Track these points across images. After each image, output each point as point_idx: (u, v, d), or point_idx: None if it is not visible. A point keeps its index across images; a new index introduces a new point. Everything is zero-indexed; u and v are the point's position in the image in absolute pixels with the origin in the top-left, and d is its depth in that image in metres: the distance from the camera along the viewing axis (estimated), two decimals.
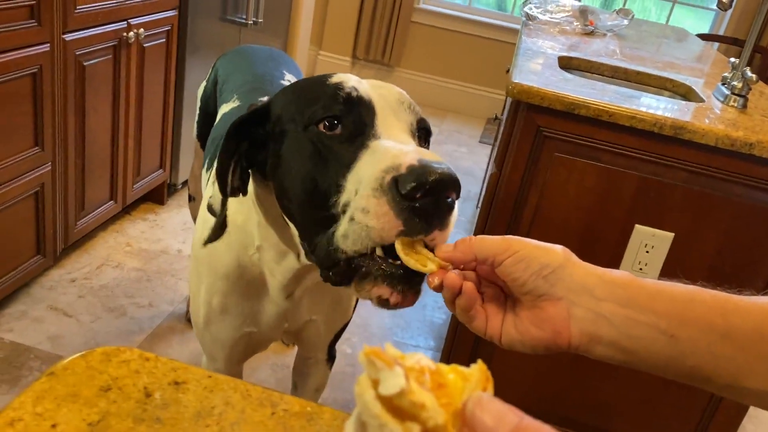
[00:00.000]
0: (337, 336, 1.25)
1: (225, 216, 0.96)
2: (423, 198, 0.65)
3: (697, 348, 0.54)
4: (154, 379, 0.49)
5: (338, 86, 0.78)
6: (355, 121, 0.75)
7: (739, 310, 0.55)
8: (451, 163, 4.25)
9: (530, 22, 2.37)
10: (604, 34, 2.45)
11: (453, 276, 0.62)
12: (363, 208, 0.68)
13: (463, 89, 4.81)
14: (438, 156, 0.69)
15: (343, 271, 0.72)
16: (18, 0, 1.69)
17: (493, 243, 0.62)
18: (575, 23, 2.37)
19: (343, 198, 0.72)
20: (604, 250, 1.58)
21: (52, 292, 2.16)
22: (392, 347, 0.29)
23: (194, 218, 1.97)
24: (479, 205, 2.91)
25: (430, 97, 4.79)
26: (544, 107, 1.47)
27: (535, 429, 0.33)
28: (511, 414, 0.32)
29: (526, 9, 2.41)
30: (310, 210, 0.77)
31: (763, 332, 0.53)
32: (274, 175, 0.84)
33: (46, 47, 1.84)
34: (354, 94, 0.77)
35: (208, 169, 1.31)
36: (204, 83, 1.70)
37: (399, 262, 0.67)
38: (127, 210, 2.64)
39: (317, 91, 0.79)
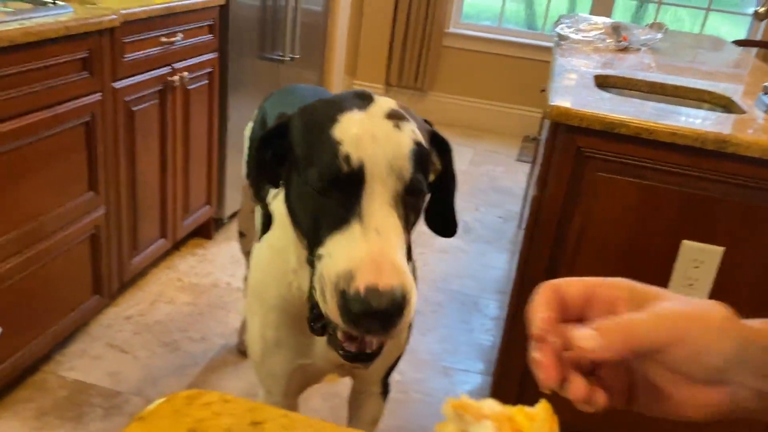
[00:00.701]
0: (391, 368, 1.27)
1: (268, 206, 1.03)
2: (363, 319, 0.76)
3: None
4: (235, 420, 0.52)
5: (336, 148, 0.81)
6: (343, 192, 0.81)
7: None
8: (488, 183, 4.28)
9: (563, 42, 2.38)
10: (638, 49, 2.45)
11: (580, 387, 0.48)
12: (322, 291, 0.81)
13: (497, 109, 4.82)
14: (395, 264, 0.77)
15: (321, 325, 0.89)
16: (71, 52, 1.79)
17: (653, 330, 0.47)
18: (608, 40, 2.37)
19: (318, 257, 0.84)
20: (651, 267, 1.57)
21: (109, 329, 2.23)
22: (466, 397, 0.31)
23: (244, 253, 2.03)
24: (521, 225, 2.91)
25: (464, 118, 4.82)
26: (584, 128, 1.48)
27: None
28: None
29: (557, 29, 2.43)
30: (302, 238, 0.92)
31: None
32: (286, 193, 0.94)
33: (98, 96, 1.93)
34: (347, 166, 0.80)
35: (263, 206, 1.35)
36: (251, 124, 1.76)
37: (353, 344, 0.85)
38: (177, 246, 2.72)
39: (320, 143, 0.83)
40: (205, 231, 2.82)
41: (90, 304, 2.12)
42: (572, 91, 1.67)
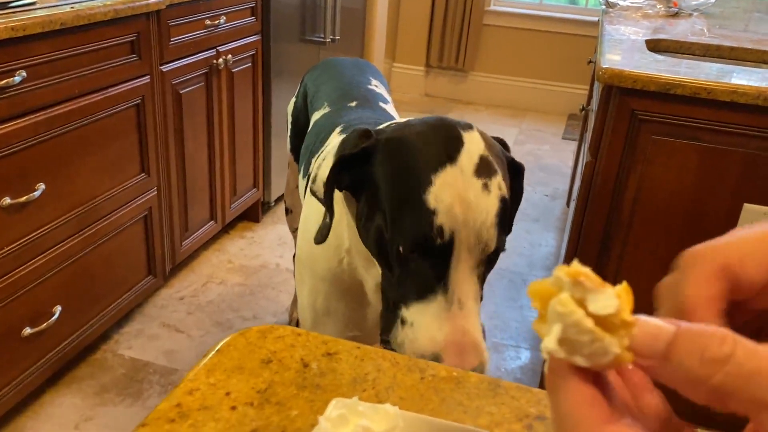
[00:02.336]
0: None
1: (332, 214, 1.00)
2: None
3: None
4: (308, 351, 0.53)
5: (429, 219, 0.81)
6: (431, 259, 0.83)
7: None
8: (534, 162, 4.20)
9: (610, 10, 2.32)
10: (690, 15, 2.37)
11: None
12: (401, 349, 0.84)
13: (540, 87, 4.74)
14: (476, 343, 0.81)
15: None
16: (120, 35, 1.82)
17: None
18: (658, 6, 2.30)
19: (401, 319, 0.86)
20: (711, 233, 1.51)
21: (163, 310, 2.28)
22: (578, 264, 0.29)
23: (291, 230, 2.04)
24: (569, 202, 2.86)
25: (507, 98, 4.76)
26: (638, 90, 1.44)
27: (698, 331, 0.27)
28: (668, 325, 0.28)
29: None
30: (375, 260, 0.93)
31: None
32: (360, 217, 0.92)
33: (146, 79, 1.96)
34: (440, 239, 0.81)
35: (304, 176, 1.36)
36: (293, 99, 1.77)
37: None
38: (226, 229, 2.76)
39: (412, 207, 0.82)
40: (253, 214, 2.85)
41: (144, 285, 2.16)
42: (624, 54, 1.63)
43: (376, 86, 1.51)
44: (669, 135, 1.48)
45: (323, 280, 1.12)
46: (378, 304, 1.05)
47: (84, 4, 1.68)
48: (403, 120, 0.98)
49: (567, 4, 4.80)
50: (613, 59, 1.54)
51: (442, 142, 0.85)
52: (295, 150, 1.74)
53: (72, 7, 1.63)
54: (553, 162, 3.89)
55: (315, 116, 1.46)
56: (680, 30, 2.12)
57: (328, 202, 0.93)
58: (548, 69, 4.68)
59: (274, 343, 0.53)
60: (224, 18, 2.31)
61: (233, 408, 0.47)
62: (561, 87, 4.69)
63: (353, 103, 1.37)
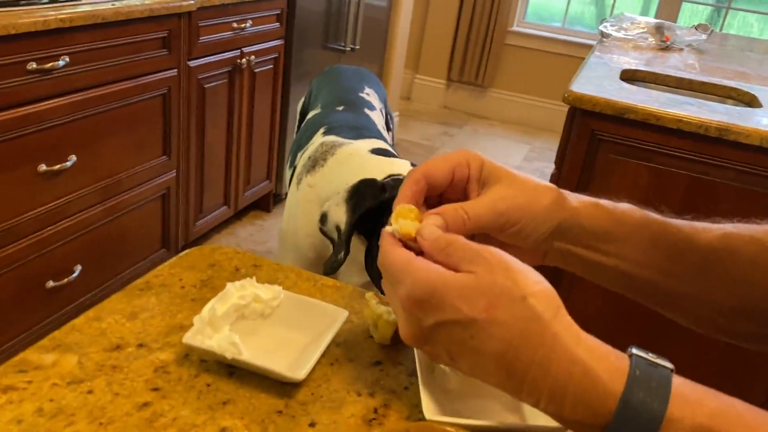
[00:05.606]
0: None
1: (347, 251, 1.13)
2: None
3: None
4: (242, 262, 0.75)
5: None
6: None
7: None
8: (541, 179, 4.32)
9: (604, 40, 2.50)
10: (681, 49, 2.53)
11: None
12: None
13: (555, 108, 4.91)
14: None
15: None
16: (153, 32, 2.06)
17: (488, 217, 0.57)
18: (650, 39, 2.48)
19: None
20: None
21: None
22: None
23: None
24: None
25: (523, 115, 4.93)
26: (597, 112, 1.62)
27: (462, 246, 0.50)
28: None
29: (601, 27, 2.55)
30: None
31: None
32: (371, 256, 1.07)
33: (174, 72, 2.20)
34: None
35: (290, 167, 1.56)
36: (302, 100, 1.99)
37: None
38: (238, 216, 2.99)
39: None
40: (265, 204, 3.08)
41: (158, 257, 2.39)
42: (593, 81, 1.81)
43: (368, 94, 1.72)
44: (624, 155, 1.66)
45: (305, 253, 1.33)
46: (352, 277, 1.24)
47: (124, 1, 1.92)
48: None
49: (590, 29, 4.96)
50: (581, 84, 1.72)
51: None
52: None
53: (113, 4, 1.87)
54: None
55: (309, 115, 1.68)
56: (668, 63, 2.29)
57: (345, 246, 1.05)
58: (564, 91, 4.85)
59: (219, 255, 0.75)
60: (251, 22, 2.55)
61: (182, 288, 0.69)
62: None
63: (341, 107, 1.58)
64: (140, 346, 0.59)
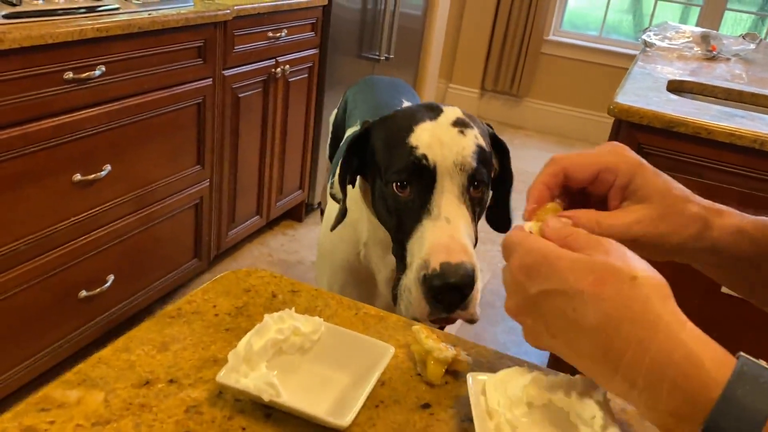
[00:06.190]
0: None
1: (345, 204, 1.15)
2: (442, 293, 0.88)
3: None
4: (278, 287, 0.71)
5: (412, 151, 0.97)
6: (419, 188, 0.96)
7: None
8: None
9: (648, 49, 2.42)
10: (728, 59, 2.44)
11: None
12: (408, 288, 0.94)
13: (591, 118, 4.82)
14: (463, 245, 0.90)
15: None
16: (189, 41, 2.05)
17: (619, 236, 0.53)
18: (695, 48, 2.39)
19: (407, 255, 0.96)
20: None
21: None
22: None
23: None
24: None
25: (558, 125, 4.85)
26: (645, 125, 1.56)
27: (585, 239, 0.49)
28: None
29: (644, 36, 2.48)
30: (389, 231, 1.04)
31: None
32: (371, 194, 1.06)
33: (209, 81, 2.19)
34: (420, 163, 0.96)
35: (330, 182, 1.53)
36: (335, 111, 1.95)
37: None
38: (270, 225, 2.97)
39: (398, 149, 0.98)
40: (296, 213, 3.06)
41: (190, 267, 2.38)
42: (639, 92, 1.74)
43: None
44: (672, 170, 1.57)
45: (342, 270, 1.28)
46: (388, 296, 1.20)
47: (160, 11, 1.91)
48: None
49: (627, 38, 4.86)
50: (627, 96, 1.66)
51: (425, 110, 1.02)
52: (333, 158, 1.92)
53: (149, 14, 1.86)
54: None
55: (348, 131, 1.64)
56: (718, 73, 2.21)
57: (342, 189, 1.07)
58: (601, 101, 4.76)
59: (255, 279, 0.71)
60: (286, 31, 2.53)
61: (216, 315, 0.65)
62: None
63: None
64: (171, 381, 0.55)
